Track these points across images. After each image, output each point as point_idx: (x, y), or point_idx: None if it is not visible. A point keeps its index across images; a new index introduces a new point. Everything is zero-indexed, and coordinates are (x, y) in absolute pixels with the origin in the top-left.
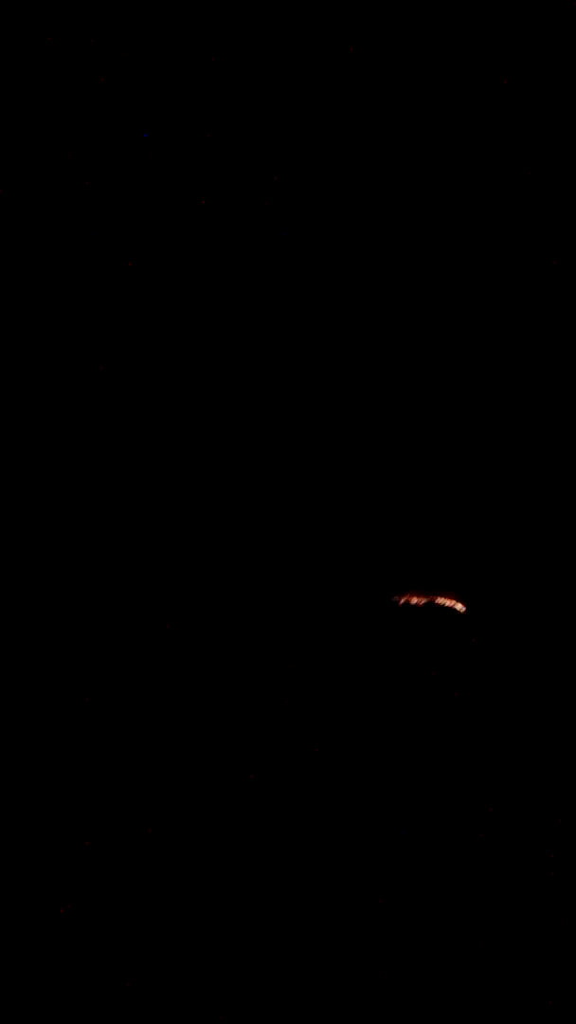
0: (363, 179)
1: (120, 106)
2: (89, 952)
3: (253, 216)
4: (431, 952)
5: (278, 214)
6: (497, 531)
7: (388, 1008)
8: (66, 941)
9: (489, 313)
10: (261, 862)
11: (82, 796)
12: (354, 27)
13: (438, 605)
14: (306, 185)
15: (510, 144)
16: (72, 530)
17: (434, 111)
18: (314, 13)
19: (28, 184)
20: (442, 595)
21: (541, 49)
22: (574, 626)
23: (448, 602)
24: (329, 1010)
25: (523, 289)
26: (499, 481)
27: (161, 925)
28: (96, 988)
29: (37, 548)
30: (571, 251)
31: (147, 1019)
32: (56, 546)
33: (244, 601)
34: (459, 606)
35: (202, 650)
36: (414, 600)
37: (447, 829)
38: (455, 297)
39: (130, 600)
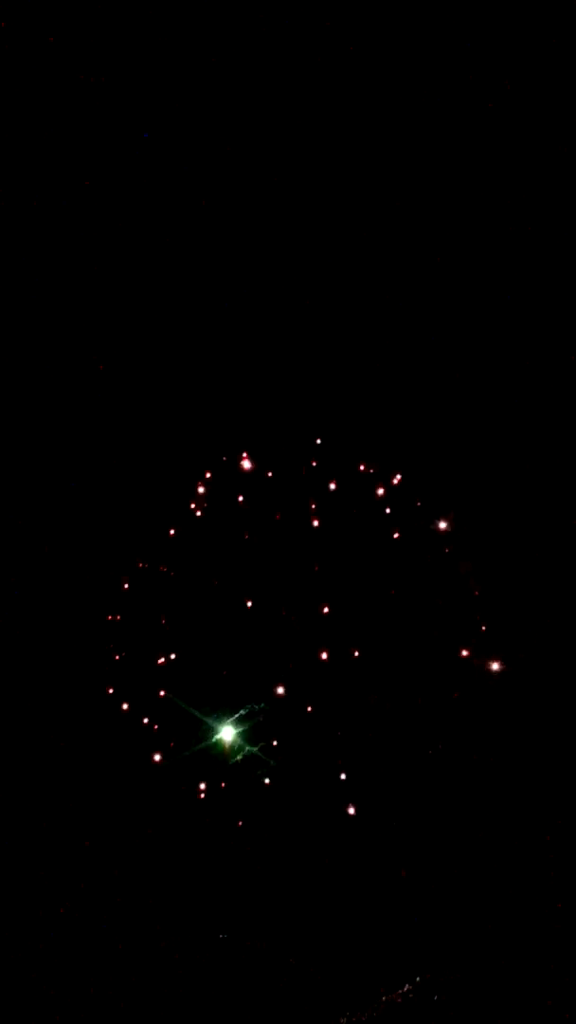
0: (362, 179)
1: (120, 106)
2: (89, 952)
3: (252, 216)
4: (431, 951)
5: (278, 213)
6: (498, 532)
7: (388, 1006)
8: (66, 941)
9: (488, 322)
10: (262, 862)
11: (82, 797)
12: (354, 27)
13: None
14: (306, 185)
15: (510, 146)
16: (70, 529)
17: (434, 113)
18: (314, 14)
19: (28, 184)
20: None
21: (541, 50)
22: (574, 628)
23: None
24: (328, 1008)
25: (523, 290)
26: (500, 484)
27: (161, 923)
28: (96, 988)
29: (36, 553)
30: (571, 251)
31: (147, 1019)
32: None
33: (245, 600)
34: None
35: (202, 647)
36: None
37: (447, 829)
38: (454, 300)
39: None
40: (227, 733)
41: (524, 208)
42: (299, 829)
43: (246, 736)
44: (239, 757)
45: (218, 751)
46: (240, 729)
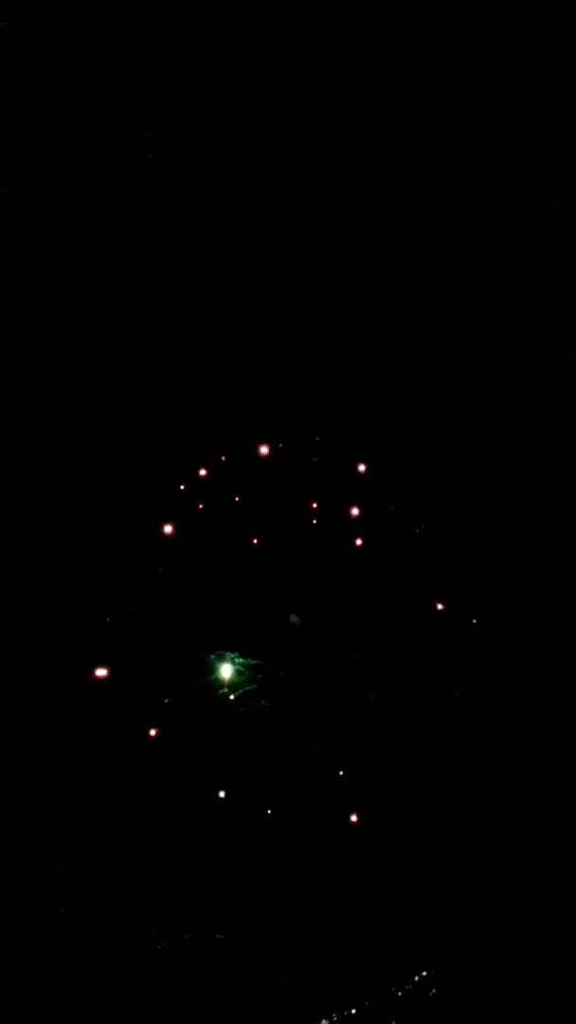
0: (363, 180)
1: (120, 106)
2: (89, 952)
3: (252, 216)
4: (431, 952)
5: (278, 213)
6: (497, 533)
7: (387, 1005)
8: (66, 941)
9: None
10: (262, 861)
11: (82, 797)
12: (354, 28)
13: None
14: (306, 185)
15: (510, 147)
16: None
17: (434, 113)
18: (314, 14)
19: (29, 183)
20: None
21: (541, 50)
22: (572, 629)
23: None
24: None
25: (523, 291)
26: (499, 487)
27: (161, 923)
28: (96, 988)
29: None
30: (571, 252)
31: (147, 1019)
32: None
33: (245, 598)
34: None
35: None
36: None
37: (447, 829)
38: (454, 303)
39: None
40: (226, 671)
41: (524, 208)
42: (296, 829)
43: (245, 674)
44: (238, 692)
45: (218, 684)
46: (239, 667)
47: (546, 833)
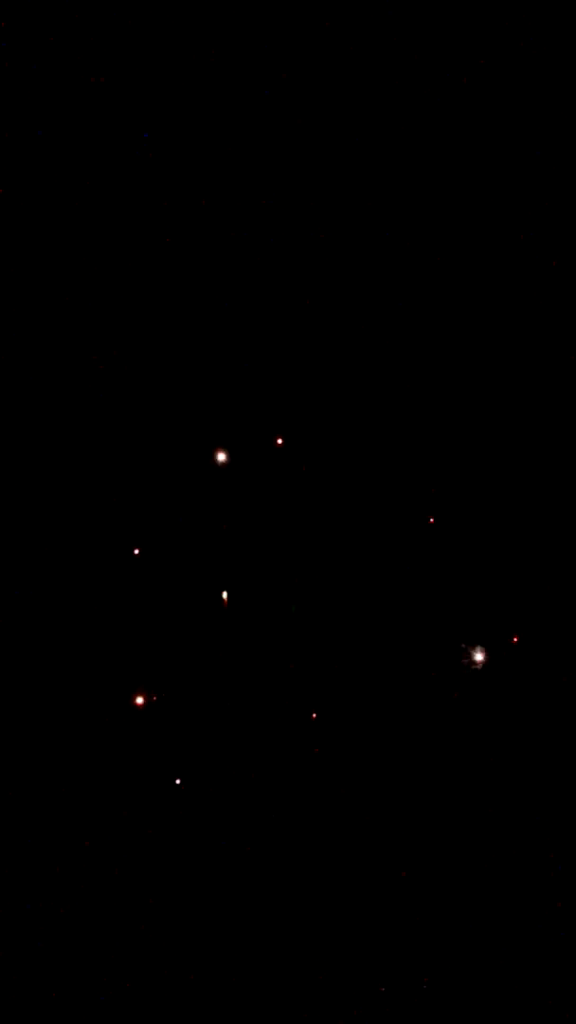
0: (362, 181)
1: (120, 106)
2: (89, 952)
3: (252, 216)
4: (430, 953)
5: (277, 214)
6: (495, 536)
7: (387, 1007)
8: (66, 941)
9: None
10: (262, 862)
11: (82, 797)
12: (354, 27)
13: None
14: (305, 186)
15: (510, 146)
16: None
17: (434, 113)
18: (314, 14)
19: (29, 183)
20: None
21: (541, 50)
22: (571, 635)
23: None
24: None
25: (523, 291)
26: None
27: (161, 924)
28: (96, 988)
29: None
30: (571, 252)
31: (147, 1019)
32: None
33: (246, 601)
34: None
35: (202, 650)
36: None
37: (447, 829)
38: (454, 304)
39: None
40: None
41: (524, 209)
42: (295, 828)
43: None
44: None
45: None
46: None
47: (547, 832)
